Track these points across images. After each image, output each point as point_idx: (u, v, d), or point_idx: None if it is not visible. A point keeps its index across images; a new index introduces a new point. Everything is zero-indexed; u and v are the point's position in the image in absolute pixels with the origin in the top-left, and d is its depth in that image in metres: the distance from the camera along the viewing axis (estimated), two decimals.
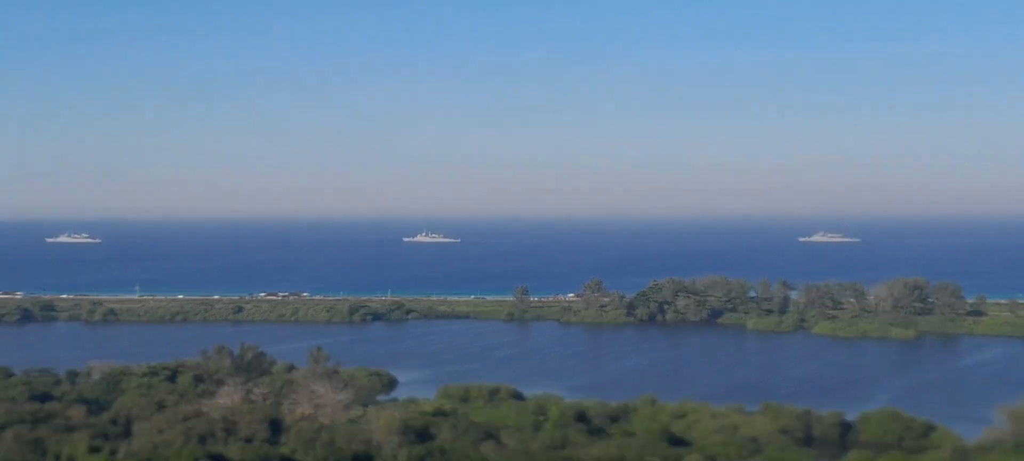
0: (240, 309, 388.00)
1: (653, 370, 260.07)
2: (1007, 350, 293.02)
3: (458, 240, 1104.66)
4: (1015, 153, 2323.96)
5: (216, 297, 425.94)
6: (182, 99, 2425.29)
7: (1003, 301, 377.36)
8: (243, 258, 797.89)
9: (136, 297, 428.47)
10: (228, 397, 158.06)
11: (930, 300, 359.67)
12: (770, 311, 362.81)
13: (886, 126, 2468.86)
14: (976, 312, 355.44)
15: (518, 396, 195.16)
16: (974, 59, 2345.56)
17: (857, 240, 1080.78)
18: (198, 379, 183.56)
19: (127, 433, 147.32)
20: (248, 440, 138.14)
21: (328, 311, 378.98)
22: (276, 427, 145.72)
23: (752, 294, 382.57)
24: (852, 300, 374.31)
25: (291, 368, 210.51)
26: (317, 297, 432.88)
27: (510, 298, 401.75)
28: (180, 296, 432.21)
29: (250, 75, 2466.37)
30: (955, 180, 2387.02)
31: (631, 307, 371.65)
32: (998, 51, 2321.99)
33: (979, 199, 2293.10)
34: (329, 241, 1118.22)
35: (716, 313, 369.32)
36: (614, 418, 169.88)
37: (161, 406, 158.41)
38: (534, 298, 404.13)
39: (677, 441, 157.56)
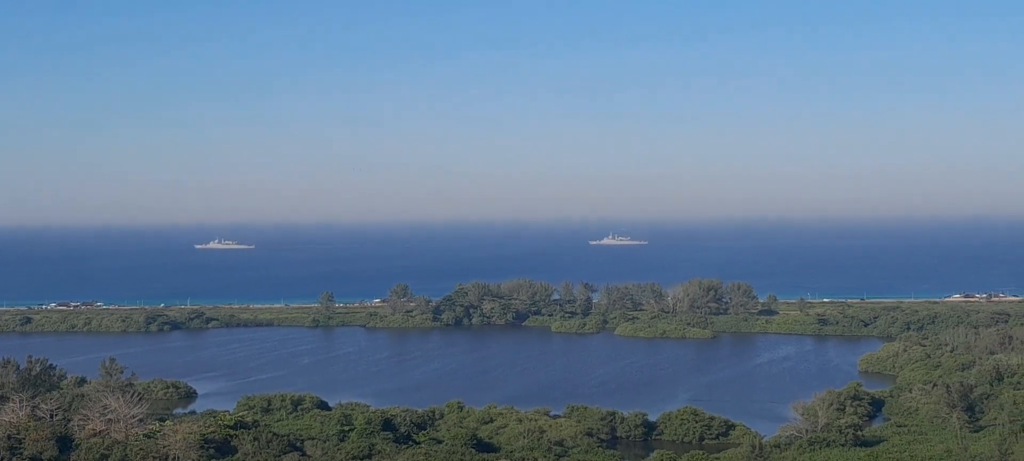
0: (28, 320, 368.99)
1: (460, 374, 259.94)
2: (798, 347, 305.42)
3: (252, 247, 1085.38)
4: (781, 159, 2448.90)
5: (2, 308, 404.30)
6: None
7: (792, 300, 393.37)
8: (30, 268, 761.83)
9: None
10: (13, 413, 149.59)
11: (725, 300, 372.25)
12: (573, 313, 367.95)
13: (664, 136, 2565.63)
14: (768, 311, 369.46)
15: (323, 405, 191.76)
16: (734, 68, 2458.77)
17: (644, 243, 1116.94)
18: None
19: None
20: (34, 458, 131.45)
21: (123, 321, 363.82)
22: (65, 444, 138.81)
23: (556, 297, 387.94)
24: (651, 301, 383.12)
25: (82, 381, 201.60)
26: (111, 306, 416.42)
27: (315, 305, 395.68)
28: None
29: (31, 75, 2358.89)
30: (735, 187, 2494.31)
31: (437, 311, 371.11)
32: (748, 60, 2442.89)
33: (759, 203, 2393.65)
34: (117, 250, 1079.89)
35: (521, 316, 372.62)
36: (421, 425, 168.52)
37: None
38: (340, 304, 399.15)
39: (484, 446, 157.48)
